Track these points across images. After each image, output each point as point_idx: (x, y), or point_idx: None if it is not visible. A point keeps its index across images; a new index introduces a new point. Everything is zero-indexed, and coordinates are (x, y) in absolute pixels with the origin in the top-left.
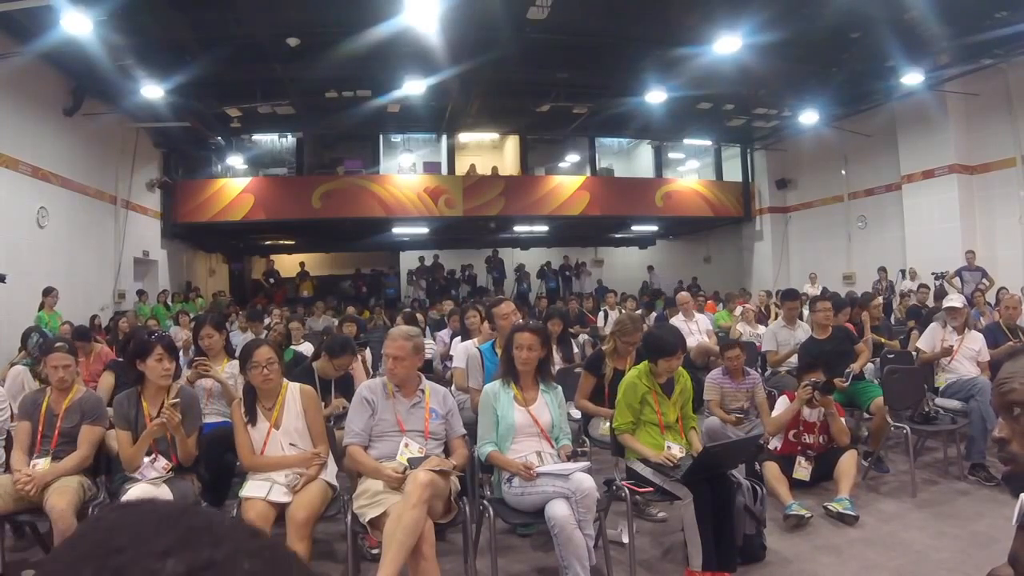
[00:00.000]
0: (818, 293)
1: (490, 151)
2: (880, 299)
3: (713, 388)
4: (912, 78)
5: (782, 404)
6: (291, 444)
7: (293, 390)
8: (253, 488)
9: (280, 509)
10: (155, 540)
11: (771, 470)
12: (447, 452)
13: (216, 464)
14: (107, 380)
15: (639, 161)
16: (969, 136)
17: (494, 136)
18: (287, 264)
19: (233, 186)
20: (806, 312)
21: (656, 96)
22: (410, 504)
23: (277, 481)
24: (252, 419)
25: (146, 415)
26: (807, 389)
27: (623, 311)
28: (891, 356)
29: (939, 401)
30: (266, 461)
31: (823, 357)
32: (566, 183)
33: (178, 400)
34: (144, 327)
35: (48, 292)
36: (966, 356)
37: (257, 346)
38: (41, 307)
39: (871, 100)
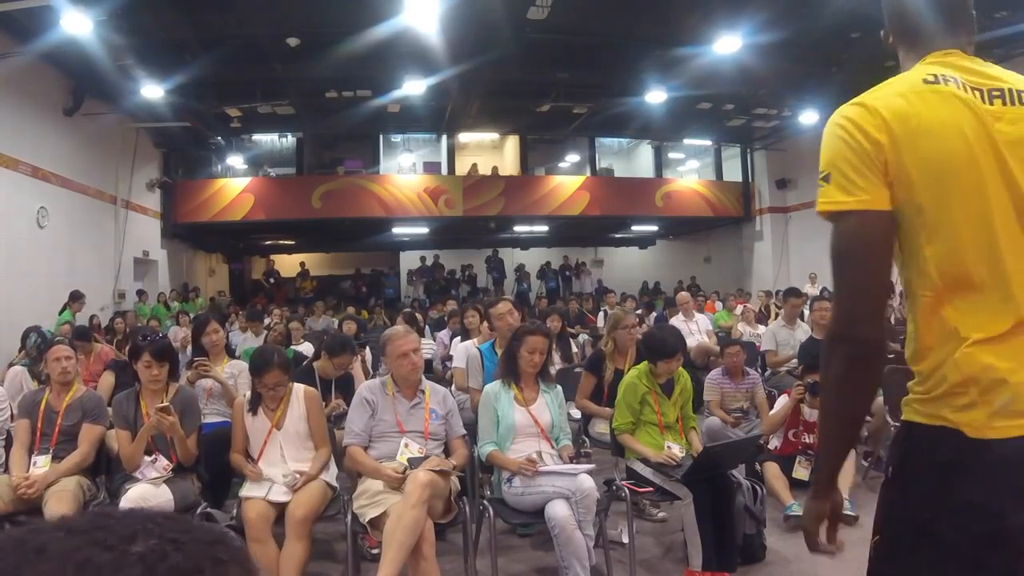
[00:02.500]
0: (818, 293)
1: (490, 151)
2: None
3: (713, 388)
4: None
5: (782, 403)
6: (291, 447)
7: (297, 392)
8: (253, 488)
9: (280, 509)
10: None
11: (771, 470)
12: (447, 452)
13: (216, 464)
14: (107, 380)
15: (639, 161)
16: None
17: (494, 136)
18: (287, 264)
19: (233, 186)
20: (807, 313)
21: (656, 96)
22: (410, 504)
23: (276, 481)
24: (254, 411)
25: (145, 414)
26: (799, 389)
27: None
28: (891, 356)
29: None
30: (253, 471)
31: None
32: (566, 183)
33: (167, 404)
34: (144, 327)
35: (77, 297)
36: None
37: (268, 369)
38: (64, 308)
39: None
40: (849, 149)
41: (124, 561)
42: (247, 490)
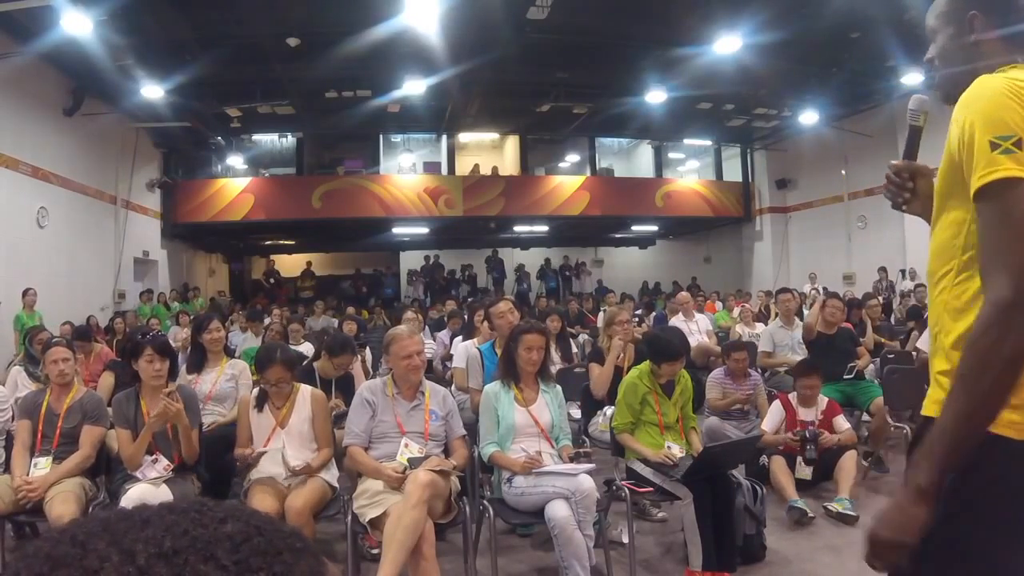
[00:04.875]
0: (820, 292)
1: (490, 151)
2: (879, 299)
3: (715, 387)
4: (912, 78)
5: (775, 410)
6: (294, 446)
7: (304, 392)
8: (260, 471)
9: (283, 500)
10: None
11: (778, 464)
12: (447, 453)
13: (216, 464)
14: (107, 380)
15: (639, 161)
16: None
17: (494, 136)
18: (288, 264)
19: (233, 186)
20: (806, 312)
21: (656, 96)
22: (410, 504)
23: (278, 477)
24: (260, 408)
25: (145, 414)
26: (794, 442)
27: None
28: (891, 356)
29: None
30: (247, 452)
31: (824, 352)
32: (566, 183)
33: (173, 390)
34: (143, 326)
35: (25, 293)
36: None
37: (270, 365)
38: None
39: (871, 100)
40: None
41: (215, 536)
42: (258, 472)
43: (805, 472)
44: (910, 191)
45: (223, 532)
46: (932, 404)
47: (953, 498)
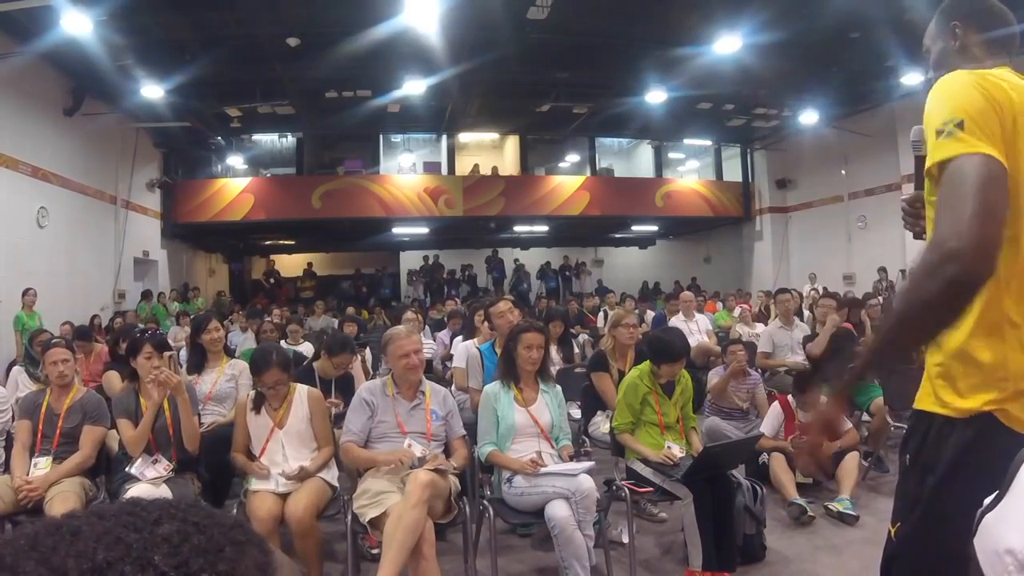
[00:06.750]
0: (819, 292)
1: (490, 151)
2: (879, 299)
3: (714, 379)
4: (912, 78)
5: (773, 412)
6: (293, 447)
7: (301, 392)
8: (260, 481)
9: (285, 502)
10: None
11: (778, 462)
12: (447, 453)
13: (216, 464)
14: (113, 377)
15: (639, 161)
16: None
17: (494, 136)
18: (288, 264)
19: (233, 186)
20: (807, 313)
21: (656, 96)
22: (410, 504)
23: (278, 477)
24: (257, 410)
25: (144, 410)
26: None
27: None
28: None
29: None
30: (254, 467)
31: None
32: (566, 183)
33: (173, 354)
34: (134, 325)
35: (25, 293)
36: None
37: (267, 368)
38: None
39: (871, 100)
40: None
41: (151, 541)
42: (255, 484)
43: (805, 479)
44: (927, 219)
45: (159, 535)
46: (925, 397)
47: (939, 474)
